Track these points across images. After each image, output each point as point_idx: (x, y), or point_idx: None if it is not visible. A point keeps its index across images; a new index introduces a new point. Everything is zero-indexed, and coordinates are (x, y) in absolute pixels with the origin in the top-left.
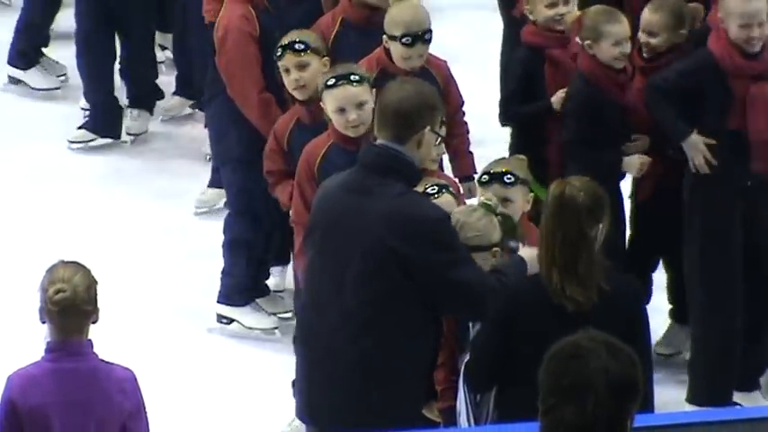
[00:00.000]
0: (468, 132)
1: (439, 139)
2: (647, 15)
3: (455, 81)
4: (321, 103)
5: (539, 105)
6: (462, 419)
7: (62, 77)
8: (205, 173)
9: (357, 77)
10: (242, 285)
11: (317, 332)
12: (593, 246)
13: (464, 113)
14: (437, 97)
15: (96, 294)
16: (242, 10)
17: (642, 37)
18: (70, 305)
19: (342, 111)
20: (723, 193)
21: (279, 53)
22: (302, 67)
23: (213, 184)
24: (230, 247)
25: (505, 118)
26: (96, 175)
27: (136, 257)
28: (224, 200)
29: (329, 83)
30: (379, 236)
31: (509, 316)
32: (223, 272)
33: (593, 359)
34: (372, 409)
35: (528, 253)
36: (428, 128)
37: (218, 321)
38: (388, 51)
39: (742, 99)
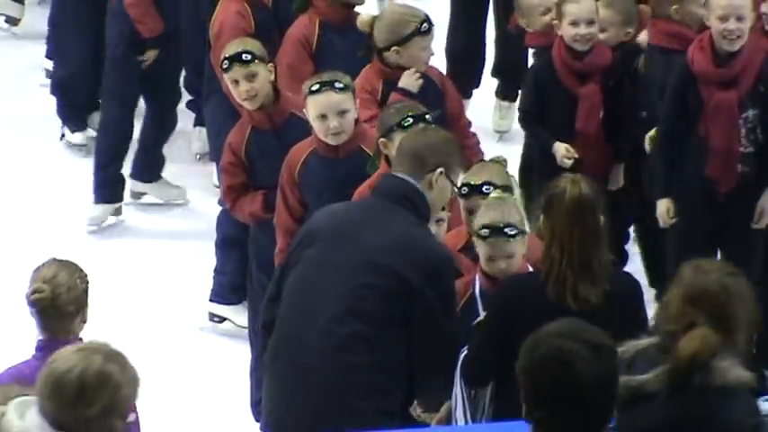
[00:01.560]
0: (478, 143)
1: (454, 189)
2: (599, 11)
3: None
4: (303, 110)
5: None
6: (459, 414)
7: None
8: (195, 172)
9: (341, 85)
10: (234, 283)
11: (298, 343)
12: (606, 240)
13: (470, 124)
14: (456, 147)
15: (83, 294)
16: (237, 6)
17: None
18: (49, 306)
19: (323, 117)
20: (690, 196)
21: (225, 66)
22: (252, 77)
23: (100, 199)
24: (223, 244)
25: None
26: (86, 174)
27: (125, 256)
28: (113, 216)
29: (313, 88)
30: (389, 254)
31: (509, 313)
32: (215, 270)
33: (579, 363)
34: (344, 422)
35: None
36: (441, 169)
37: (209, 320)
38: (384, 62)
39: (708, 105)
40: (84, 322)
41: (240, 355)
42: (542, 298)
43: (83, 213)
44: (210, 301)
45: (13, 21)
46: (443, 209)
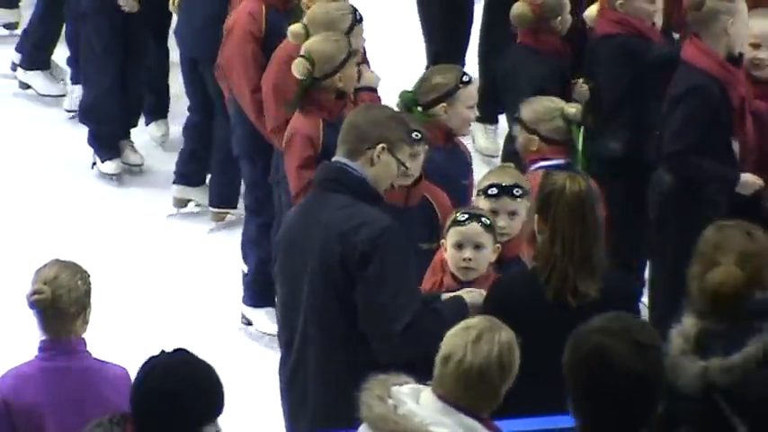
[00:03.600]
0: None
1: (401, 167)
2: None
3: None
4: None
5: None
6: None
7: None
8: None
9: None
10: (255, 286)
11: (294, 356)
12: (603, 235)
13: None
14: (400, 122)
15: (85, 296)
16: (251, 8)
17: None
18: (48, 307)
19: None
20: (701, 205)
21: None
22: None
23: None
24: (247, 246)
25: None
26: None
27: (163, 258)
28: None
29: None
30: (323, 249)
31: (503, 313)
32: (244, 272)
33: (619, 361)
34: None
35: (470, 297)
36: (383, 145)
37: (242, 322)
38: None
39: (738, 109)
40: (87, 323)
41: (266, 358)
42: (538, 295)
43: (111, 232)
44: (243, 302)
45: (11, 26)
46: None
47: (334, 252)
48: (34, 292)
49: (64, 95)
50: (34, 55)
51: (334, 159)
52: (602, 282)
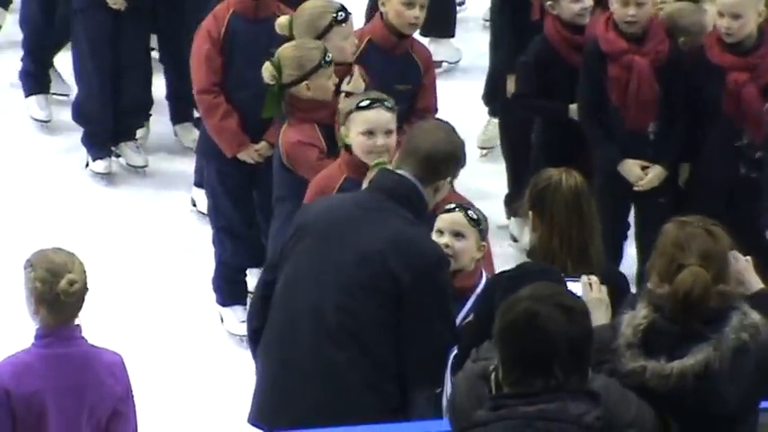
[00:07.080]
0: None
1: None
2: None
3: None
4: (342, 128)
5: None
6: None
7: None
8: None
9: (390, 105)
10: (215, 285)
11: (288, 338)
12: (599, 228)
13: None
14: (464, 150)
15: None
16: (218, 9)
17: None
18: (81, 294)
19: (370, 134)
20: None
21: None
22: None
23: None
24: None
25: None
26: (109, 202)
27: (145, 253)
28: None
29: (362, 104)
30: (382, 253)
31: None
32: None
33: (550, 325)
34: (335, 420)
35: None
36: (449, 179)
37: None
38: (381, 18)
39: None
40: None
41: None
42: None
43: (102, 236)
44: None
45: None
46: None
47: (393, 271)
48: (72, 282)
49: None
50: None
51: (407, 175)
52: (598, 272)
